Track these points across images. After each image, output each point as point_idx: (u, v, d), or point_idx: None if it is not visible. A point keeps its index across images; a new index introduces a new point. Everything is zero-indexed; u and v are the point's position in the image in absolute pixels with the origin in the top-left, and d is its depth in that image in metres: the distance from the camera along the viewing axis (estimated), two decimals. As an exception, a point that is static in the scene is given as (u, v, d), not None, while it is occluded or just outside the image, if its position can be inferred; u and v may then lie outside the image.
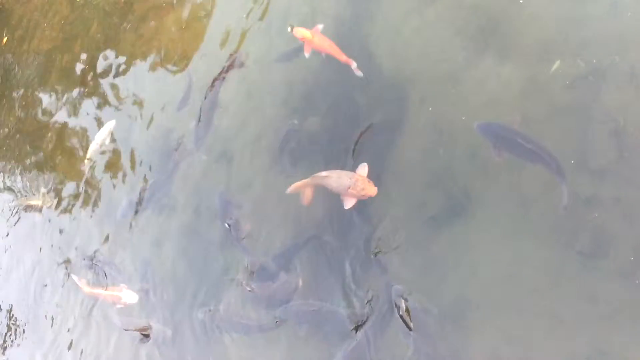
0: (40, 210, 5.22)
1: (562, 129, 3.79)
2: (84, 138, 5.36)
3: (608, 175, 3.64)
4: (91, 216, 5.13)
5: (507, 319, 3.60)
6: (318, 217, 4.25)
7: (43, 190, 5.21)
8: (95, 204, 5.15)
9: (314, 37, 4.42)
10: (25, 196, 5.33)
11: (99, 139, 5.15)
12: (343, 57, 4.38)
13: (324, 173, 3.99)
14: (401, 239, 3.90)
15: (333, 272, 4.08)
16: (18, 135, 5.63)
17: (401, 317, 3.77)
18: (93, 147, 5.17)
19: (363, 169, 4.03)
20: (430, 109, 4.13)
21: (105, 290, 4.82)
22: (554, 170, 3.69)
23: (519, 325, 3.57)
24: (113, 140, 5.15)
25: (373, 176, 4.04)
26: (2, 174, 5.67)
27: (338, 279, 4.03)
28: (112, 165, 5.20)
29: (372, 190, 3.92)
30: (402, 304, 3.78)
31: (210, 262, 4.53)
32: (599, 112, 3.74)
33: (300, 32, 4.43)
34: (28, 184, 5.43)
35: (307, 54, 4.45)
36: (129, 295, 4.75)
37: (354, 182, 3.90)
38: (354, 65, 4.36)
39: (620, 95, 3.73)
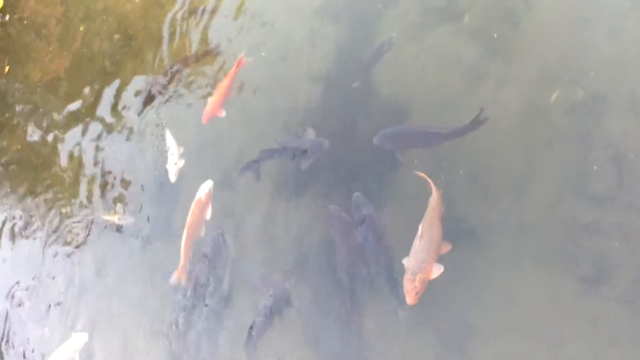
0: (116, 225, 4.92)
1: (561, 155, 3.81)
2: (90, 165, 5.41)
3: (608, 201, 3.66)
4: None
5: (508, 343, 3.62)
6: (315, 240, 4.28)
7: (119, 206, 4.93)
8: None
9: (211, 103, 4.59)
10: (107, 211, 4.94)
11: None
12: (234, 70, 4.58)
13: (422, 227, 3.55)
14: (401, 265, 3.92)
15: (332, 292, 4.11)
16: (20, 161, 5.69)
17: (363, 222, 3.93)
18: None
19: (437, 270, 3.46)
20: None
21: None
22: (459, 133, 3.87)
23: (520, 351, 3.59)
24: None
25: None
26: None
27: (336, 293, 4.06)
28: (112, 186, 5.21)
29: (409, 298, 3.43)
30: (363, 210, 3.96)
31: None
32: (599, 138, 3.76)
33: (205, 117, 4.59)
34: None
35: (223, 114, 4.58)
36: (202, 188, 4.36)
37: (409, 275, 3.44)
38: (242, 55, 4.61)
39: (620, 121, 3.75)
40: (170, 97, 5.20)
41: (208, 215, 4.38)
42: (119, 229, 4.90)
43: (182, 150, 4.71)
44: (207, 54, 5.15)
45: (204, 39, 5.21)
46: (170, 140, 4.77)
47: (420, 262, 3.45)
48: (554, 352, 3.54)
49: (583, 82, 3.87)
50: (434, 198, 3.67)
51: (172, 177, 4.66)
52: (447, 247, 3.58)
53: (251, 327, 4.14)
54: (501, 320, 3.68)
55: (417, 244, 3.53)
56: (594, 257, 3.60)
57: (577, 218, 3.69)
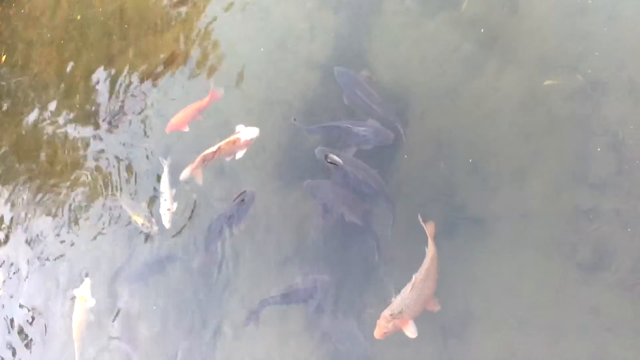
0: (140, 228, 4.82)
1: (561, 141, 3.81)
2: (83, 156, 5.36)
3: (608, 188, 3.66)
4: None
5: (509, 332, 3.62)
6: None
7: (146, 211, 4.79)
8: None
9: (177, 118, 4.63)
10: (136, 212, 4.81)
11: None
12: (206, 102, 4.57)
13: (416, 278, 3.51)
14: (402, 254, 3.91)
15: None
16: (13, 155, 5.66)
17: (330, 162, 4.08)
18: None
19: (411, 329, 3.47)
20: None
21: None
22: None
23: (521, 338, 3.59)
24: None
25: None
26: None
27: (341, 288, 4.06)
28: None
29: (377, 333, 3.49)
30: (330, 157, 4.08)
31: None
32: (598, 124, 3.76)
33: (169, 128, 4.63)
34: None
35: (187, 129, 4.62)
36: (247, 132, 4.34)
37: (387, 314, 3.48)
38: (212, 90, 4.59)
39: (619, 108, 3.75)
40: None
41: (240, 155, 4.38)
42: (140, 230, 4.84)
43: (174, 192, 4.61)
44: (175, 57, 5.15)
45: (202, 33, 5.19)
46: (164, 184, 4.63)
47: (403, 311, 3.48)
48: (555, 339, 3.53)
49: (582, 68, 3.87)
50: (431, 250, 3.62)
51: (167, 224, 4.54)
52: (436, 306, 3.59)
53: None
54: (502, 308, 3.68)
55: (407, 292, 3.51)
56: (594, 244, 3.60)
57: (577, 205, 3.68)
